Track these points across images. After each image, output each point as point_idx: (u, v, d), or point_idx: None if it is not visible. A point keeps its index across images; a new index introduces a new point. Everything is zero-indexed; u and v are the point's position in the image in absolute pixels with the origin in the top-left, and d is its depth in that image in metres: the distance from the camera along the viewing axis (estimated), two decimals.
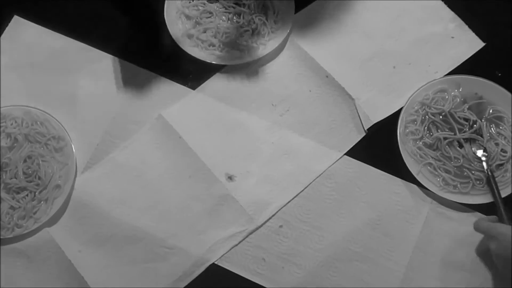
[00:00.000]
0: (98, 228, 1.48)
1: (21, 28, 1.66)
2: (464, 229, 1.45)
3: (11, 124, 1.54)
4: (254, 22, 1.62)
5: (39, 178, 1.49)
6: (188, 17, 1.64)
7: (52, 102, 1.58)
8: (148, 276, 1.45)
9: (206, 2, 1.65)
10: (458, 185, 1.46)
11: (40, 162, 1.51)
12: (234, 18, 1.64)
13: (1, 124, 1.54)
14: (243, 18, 1.62)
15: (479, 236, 1.43)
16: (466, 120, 1.51)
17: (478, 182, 1.47)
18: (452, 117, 1.51)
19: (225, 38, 1.61)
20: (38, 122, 1.54)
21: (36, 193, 1.49)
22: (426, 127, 1.51)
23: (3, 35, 1.64)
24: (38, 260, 1.46)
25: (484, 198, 1.46)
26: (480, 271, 1.43)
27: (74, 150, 1.52)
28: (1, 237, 1.45)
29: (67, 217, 1.49)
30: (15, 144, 1.52)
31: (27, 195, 1.49)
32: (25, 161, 1.51)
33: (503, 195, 1.44)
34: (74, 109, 1.58)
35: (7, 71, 1.62)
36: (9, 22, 1.65)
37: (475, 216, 1.46)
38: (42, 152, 1.52)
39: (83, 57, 1.63)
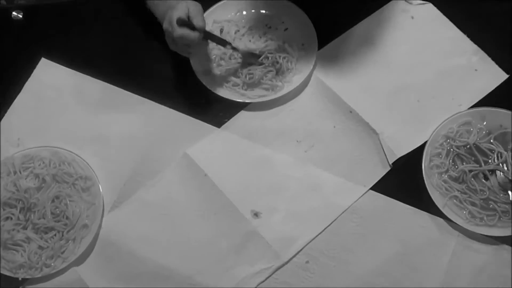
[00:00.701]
0: (125, 266, 1.49)
1: (49, 70, 1.68)
2: (491, 261, 1.44)
3: (39, 165, 1.56)
4: (277, 63, 1.63)
5: (67, 218, 1.51)
6: (212, 56, 1.66)
7: (80, 142, 1.61)
8: None
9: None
10: (485, 218, 1.45)
11: (68, 202, 1.52)
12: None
13: (30, 165, 1.56)
14: (268, 59, 1.63)
15: (508, 269, 1.42)
16: (492, 151, 1.50)
17: (504, 214, 1.45)
18: (477, 149, 1.50)
19: (249, 79, 1.62)
20: (66, 163, 1.56)
21: (64, 232, 1.50)
22: (451, 160, 1.51)
23: (31, 77, 1.67)
24: None
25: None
26: None
27: (101, 190, 1.54)
28: (30, 277, 1.46)
29: (94, 256, 1.51)
30: (43, 185, 1.54)
31: (55, 235, 1.50)
32: (53, 201, 1.53)
33: None
34: (101, 149, 1.60)
35: (36, 113, 1.65)
36: (37, 64, 1.68)
37: (503, 249, 1.45)
38: (69, 192, 1.54)
39: (109, 98, 1.65)
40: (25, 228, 1.51)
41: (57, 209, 1.52)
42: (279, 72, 1.63)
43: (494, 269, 1.44)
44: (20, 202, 1.52)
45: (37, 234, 1.50)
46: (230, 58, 1.64)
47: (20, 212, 1.51)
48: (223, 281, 1.47)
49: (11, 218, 1.51)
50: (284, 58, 1.63)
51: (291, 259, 1.48)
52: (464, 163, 1.50)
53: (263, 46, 1.63)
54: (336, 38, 1.69)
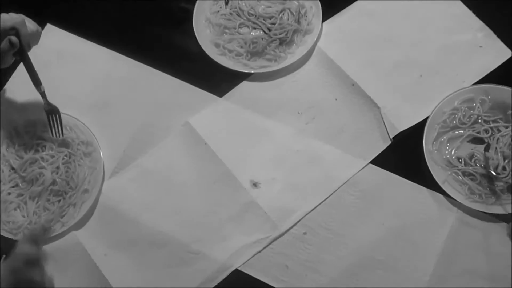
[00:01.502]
0: (124, 232, 1.50)
1: (54, 35, 1.69)
2: (489, 239, 1.44)
3: (41, 130, 1.57)
4: (286, 34, 1.63)
5: (73, 181, 1.52)
6: (216, 26, 1.66)
7: (82, 108, 1.61)
8: (172, 280, 1.46)
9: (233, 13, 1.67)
10: (483, 195, 1.45)
11: (77, 165, 1.54)
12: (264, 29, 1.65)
13: (32, 129, 1.57)
14: (275, 30, 1.63)
15: (505, 246, 1.42)
16: (494, 122, 1.51)
17: (502, 192, 1.45)
18: (480, 122, 1.52)
19: (252, 48, 1.62)
20: (68, 127, 1.57)
21: (67, 197, 1.51)
22: (453, 134, 1.52)
23: None
24: (64, 263, 1.48)
25: (510, 208, 1.44)
26: (506, 281, 1.41)
27: (102, 156, 1.54)
28: None
29: (94, 221, 1.52)
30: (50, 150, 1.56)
31: (59, 200, 1.52)
32: (62, 164, 1.54)
33: None
34: (103, 116, 1.61)
35: (40, 77, 1.64)
36: (43, 29, 1.68)
37: (501, 226, 1.45)
38: (75, 157, 1.55)
39: (113, 64, 1.66)
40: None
41: (66, 173, 1.53)
42: (283, 42, 1.63)
43: (490, 246, 1.43)
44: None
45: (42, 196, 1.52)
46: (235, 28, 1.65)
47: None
48: (220, 250, 1.47)
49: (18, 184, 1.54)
50: (293, 31, 1.63)
51: (288, 230, 1.48)
52: (466, 139, 1.51)
53: (281, 19, 1.64)
54: (341, 10, 1.68)
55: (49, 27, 1.70)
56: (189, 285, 1.45)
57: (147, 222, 1.51)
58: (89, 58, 1.66)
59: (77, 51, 1.67)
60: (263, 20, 1.64)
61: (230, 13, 1.66)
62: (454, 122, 1.52)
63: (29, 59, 1.48)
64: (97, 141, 1.56)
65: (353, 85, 1.59)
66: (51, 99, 1.56)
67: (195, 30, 1.63)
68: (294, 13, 1.64)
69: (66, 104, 1.60)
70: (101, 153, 1.55)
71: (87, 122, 1.58)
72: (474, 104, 1.52)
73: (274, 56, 1.62)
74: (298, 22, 1.63)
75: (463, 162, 1.49)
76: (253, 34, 1.63)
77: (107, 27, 1.71)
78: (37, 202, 1.51)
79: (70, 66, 1.67)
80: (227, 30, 1.65)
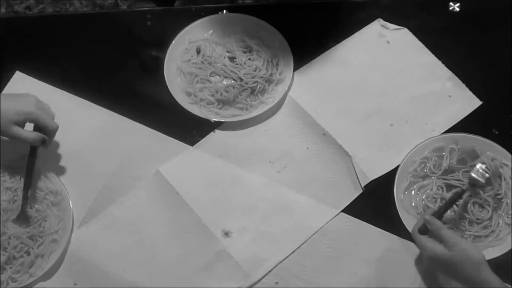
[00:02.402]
0: (93, 283, 1.48)
1: (23, 83, 1.67)
2: None
3: (10, 179, 1.55)
4: (257, 84, 1.63)
5: (41, 232, 1.50)
6: (187, 74, 1.66)
7: (51, 157, 1.59)
8: None
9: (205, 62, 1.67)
10: None
11: (38, 217, 1.51)
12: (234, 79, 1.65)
13: (1, 178, 1.55)
14: (246, 79, 1.64)
15: None
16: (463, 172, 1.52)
17: (474, 238, 1.47)
18: (450, 171, 1.53)
19: (224, 97, 1.62)
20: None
21: (34, 248, 1.48)
22: (424, 183, 1.53)
23: (4, 90, 1.66)
24: None
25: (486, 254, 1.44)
26: None
27: (71, 205, 1.52)
28: None
29: (62, 272, 1.49)
30: (15, 198, 1.53)
31: (24, 250, 1.48)
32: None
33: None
34: (72, 164, 1.59)
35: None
36: (11, 77, 1.68)
37: None
38: (40, 207, 1.52)
39: (83, 113, 1.65)
40: None
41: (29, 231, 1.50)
42: (254, 91, 1.64)
43: None
44: None
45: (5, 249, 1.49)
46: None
47: None
48: None
49: None
50: (265, 80, 1.64)
51: (260, 279, 1.47)
52: (437, 187, 1.51)
53: (253, 68, 1.65)
54: (312, 60, 1.69)
55: (18, 74, 1.68)
56: None
57: (117, 272, 1.48)
58: (59, 106, 1.62)
59: (47, 99, 1.62)
60: (234, 69, 1.64)
61: (202, 62, 1.66)
62: (425, 170, 1.53)
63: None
64: (66, 190, 1.53)
65: (324, 134, 1.59)
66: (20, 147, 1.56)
67: (166, 79, 1.63)
68: (267, 63, 1.65)
69: (36, 153, 1.57)
70: (70, 202, 1.52)
71: (56, 171, 1.56)
72: (444, 153, 1.53)
73: (245, 105, 1.62)
74: (270, 73, 1.65)
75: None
76: (225, 83, 1.63)
77: (78, 75, 1.70)
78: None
79: None
80: (198, 79, 1.65)
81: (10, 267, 1.46)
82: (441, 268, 1.34)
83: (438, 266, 1.35)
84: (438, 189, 1.51)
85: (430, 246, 1.33)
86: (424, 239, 1.35)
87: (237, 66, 1.65)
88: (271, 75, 1.64)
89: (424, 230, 1.38)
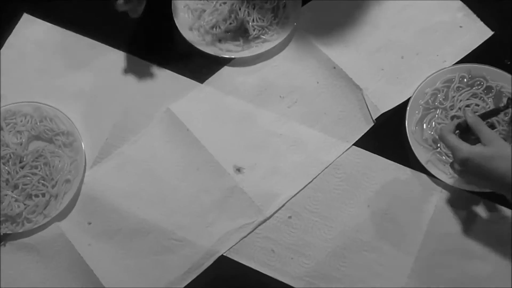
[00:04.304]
0: (107, 221, 1.49)
1: (31, 25, 1.67)
2: (474, 217, 1.44)
3: (21, 121, 1.55)
4: (263, 19, 1.62)
5: (51, 173, 1.51)
6: (194, 11, 1.64)
7: (62, 98, 1.59)
8: (157, 268, 1.45)
9: None
10: None
11: (50, 158, 1.52)
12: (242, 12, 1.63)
13: (12, 121, 1.55)
14: (253, 14, 1.62)
15: (490, 225, 1.44)
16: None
17: None
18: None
19: (232, 31, 1.61)
20: (48, 118, 1.55)
21: (49, 188, 1.50)
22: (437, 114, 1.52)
23: (13, 32, 1.66)
24: (48, 254, 1.47)
25: None
26: (491, 258, 1.42)
27: (83, 145, 1.53)
28: (11, 232, 1.46)
29: (76, 212, 1.50)
30: (26, 141, 1.53)
31: (38, 195, 1.50)
32: (36, 158, 1.52)
33: None
34: (83, 105, 1.59)
35: (18, 68, 1.64)
36: (19, 19, 1.67)
37: (485, 205, 1.45)
38: (52, 148, 1.53)
39: (93, 53, 1.64)
40: (7, 183, 1.50)
41: (39, 166, 1.51)
42: (263, 27, 1.62)
43: (475, 224, 1.44)
44: (6, 157, 1.52)
45: (20, 191, 1.50)
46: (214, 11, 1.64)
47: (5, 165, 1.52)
48: (205, 236, 1.46)
49: None
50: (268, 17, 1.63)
51: (273, 214, 1.48)
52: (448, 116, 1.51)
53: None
54: None
55: (26, 17, 1.67)
56: (175, 272, 1.44)
57: (130, 210, 1.49)
58: (68, 48, 1.64)
59: (56, 41, 1.65)
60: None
61: None
62: (436, 103, 1.52)
63: None
64: (78, 131, 1.54)
65: (334, 67, 1.58)
66: (31, 90, 1.58)
67: (174, 16, 1.62)
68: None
69: (46, 95, 1.59)
70: (82, 143, 1.53)
71: (68, 112, 1.56)
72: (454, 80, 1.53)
73: (254, 39, 1.61)
74: (277, 6, 1.64)
75: None
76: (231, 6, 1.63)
77: (86, 16, 1.68)
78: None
79: (49, 55, 1.64)
80: (205, 15, 1.63)
81: (25, 208, 1.48)
82: (474, 167, 1.28)
83: (471, 166, 1.29)
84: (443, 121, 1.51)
85: (465, 144, 1.29)
86: (458, 140, 1.31)
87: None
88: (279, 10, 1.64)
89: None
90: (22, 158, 1.51)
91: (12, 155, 1.51)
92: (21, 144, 1.53)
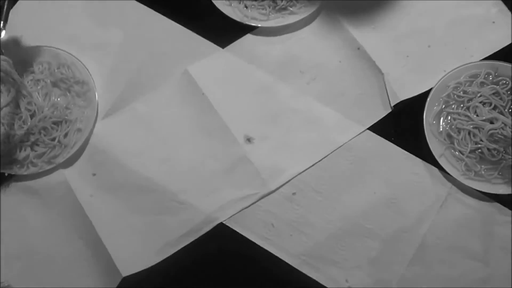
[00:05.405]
0: (112, 175, 1.48)
1: None
2: (481, 218, 1.42)
3: (39, 69, 1.55)
4: None
5: (65, 122, 1.50)
6: None
7: (81, 47, 1.59)
8: (156, 227, 1.44)
9: None
10: (482, 171, 1.43)
11: (65, 108, 1.52)
12: None
13: (29, 68, 1.55)
14: None
15: (495, 227, 1.41)
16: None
17: (503, 169, 1.43)
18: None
19: None
20: (65, 66, 1.54)
21: (61, 137, 1.49)
22: (456, 108, 1.48)
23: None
24: (50, 200, 1.47)
25: (506, 188, 1.42)
26: (492, 262, 1.40)
27: (97, 96, 1.52)
28: (15, 173, 1.47)
29: (83, 161, 1.50)
30: (42, 90, 1.53)
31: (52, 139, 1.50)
32: (53, 105, 1.52)
33: None
34: (101, 56, 1.59)
35: (40, 13, 1.63)
36: None
37: (494, 207, 1.43)
38: (68, 99, 1.53)
39: (116, 6, 1.64)
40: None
41: (56, 114, 1.50)
42: None
43: (482, 226, 1.42)
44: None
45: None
46: None
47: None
48: (207, 202, 1.45)
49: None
50: None
51: (278, 188, 1.46)
52: (470, 112, 1.47)
53: None
54: None
55: None
56: (173, 233, 1.43)
57: (136, 167, 1.48)
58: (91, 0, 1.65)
59: None
60: None
61: None
62: (455, 96, 1.49)
63: None
64: (93, 81, 1.53)
65: (358, 48, 1.56)
66: (50, 35, 1.59)
67: None
68: None
69: (66, 42, 1.58)
70: (96, 93, 1.52)
71: (85, 62, 1.55)
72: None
73: (281, 9, 1.59)
74: None
75: (462, 136, 1.46)
76: None
77: None
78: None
79: (72, 3, 1.64)
80: None
81: (34, 152, 1.48)
82: None
83: None
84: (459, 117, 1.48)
85: None
86: None
87: None
88: None
89: None
90: (43, 109, 1.51)
91: (34, 105, 1.50)
92: (44, 96, 1.53)
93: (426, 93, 1.49)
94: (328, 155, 1.49)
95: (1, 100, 1.49)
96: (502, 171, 1.43)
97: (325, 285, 1.40)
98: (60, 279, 1.43)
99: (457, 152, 1.45)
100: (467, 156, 1.43)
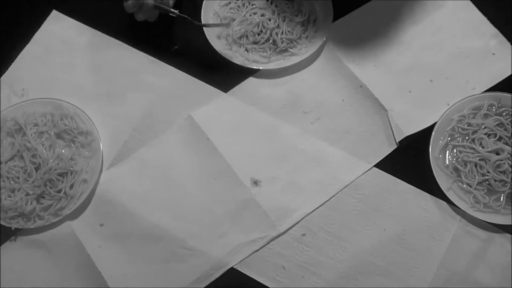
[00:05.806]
0: (119, 224, 1.47)
1: (60, 22, 1.67)
2: (492, 249, 1.41)
3: (42, 121, 1.54)
4: (292, 32, 1.61)
5: (71, 173, 1.49)
6: (223, 19, 1.63)
7: (84, 97, 1.59)
8: (165, 275, 1.43)
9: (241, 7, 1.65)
10: (491, 202, 1.42)
11: (69, 159, 1.51)
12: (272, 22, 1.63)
13: (33, 121, 1.54)
14: (283, 26, 1.61)
15: (508, 258, 1.40)
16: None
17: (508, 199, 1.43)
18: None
19: (261, 42, 1.60)
20: (68, 117, 1.54)
21: (66, 188, 1.48)
22: (461, 141, 1.49)
23: (41, 29, 1.66)
24: (57, 253, 1.45)
25: None
26: None
27: (101, 146, 1.52)
28: (22, 228, 1.45)
29: (89, 212, 1.49)
30: (47, 141, 1.52)
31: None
32: (57, 157, 1.51)
33: None
34: (104, 106, 1.59)
35: (42, 64, 1.63)
36: (48, 16, 1.67)
37: (505, 237, 1.42)
38: (73, 150, 1.53)
39: (118, 54, 1.64)
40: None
41: (61, 166, 1.49)
42: (292, 39, 1.61)
43: (493, 257, 1.41)
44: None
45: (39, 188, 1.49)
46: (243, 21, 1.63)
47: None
48: (216, 247, 1.44)
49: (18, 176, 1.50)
50: (298, 30, 1.62)
51: (287, 230, 1.45)
52: (475, 144, 1.47)
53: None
54: (352, 11, 1.66)
55: (55, 13, 1.68)
56: (183, 281, 1.42)
57: (144, 215, 1.48)
58: (94, 47, 1.64)
59: (83, 40, 1.65)
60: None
61: (239, 6, 1.64)
62: (460, 129, 1.49)
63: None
64: (97, 131, 1.53)
65: (361, 86, 1.56)
66: (52, 87, 1.59)
67: (203, 23, 1.61)
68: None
69: (68, 93, 1.58)
70: (100, 143, 1.52)
71: (88, 112, 1.55)
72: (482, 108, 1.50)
73: (281, 52, 1.60)
74: (308, 20, 1.62)
75: (469, 169, 1.45)
76: (261, 16, 1.62)
77: (114, 16, 1.67)
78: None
79: (74, 54, 1.64)
80: (235, 24, 1.62)
81: (40, 204, 1.47)
82: None
83: None
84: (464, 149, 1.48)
85: None
86: None
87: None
88: (312, 25, 1.63)
89: None
90: (47, 161, 1.50)
91: (39, 157, 1.50)
92: (48, 148, 1.52)
93: (431, 127, 1.49)
94: (336, 194, 1.48)
95: (5, 154, 1.49)
96: (507, 200, 1.42)
97: None
98: None
99: (464, 185, 1.44)
100: (475, 188, 1.43)
